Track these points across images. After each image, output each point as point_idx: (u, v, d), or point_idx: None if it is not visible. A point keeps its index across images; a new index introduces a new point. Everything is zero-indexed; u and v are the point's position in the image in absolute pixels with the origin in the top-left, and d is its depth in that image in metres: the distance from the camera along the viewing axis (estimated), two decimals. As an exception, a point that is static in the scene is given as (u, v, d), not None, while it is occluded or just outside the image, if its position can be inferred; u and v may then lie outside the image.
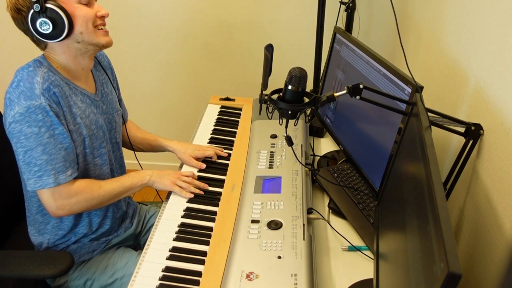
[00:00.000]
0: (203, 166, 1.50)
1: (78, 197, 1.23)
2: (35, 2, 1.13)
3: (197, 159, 1.53)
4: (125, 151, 1.59)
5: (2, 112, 1.23)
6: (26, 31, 1.21)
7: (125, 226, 1.49)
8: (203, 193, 1.38)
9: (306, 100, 1.10)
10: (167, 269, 1.12)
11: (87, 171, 1.32)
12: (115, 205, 1.42)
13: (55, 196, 1.20)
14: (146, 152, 1.66)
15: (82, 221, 1.35)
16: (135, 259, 1.37)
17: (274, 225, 1.19)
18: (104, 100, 1.38)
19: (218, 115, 1.86)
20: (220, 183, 1.43)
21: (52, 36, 1.17)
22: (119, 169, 1.50)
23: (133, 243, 1.54)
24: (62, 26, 1.17)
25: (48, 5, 1.15)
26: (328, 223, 1.33)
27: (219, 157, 1.57)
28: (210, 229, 1.25)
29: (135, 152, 1.62)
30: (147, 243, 1.20)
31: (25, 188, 1.32)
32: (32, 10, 1.14)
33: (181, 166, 1.55)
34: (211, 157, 1.54)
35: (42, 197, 1.21)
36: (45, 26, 1.16)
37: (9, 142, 1.22)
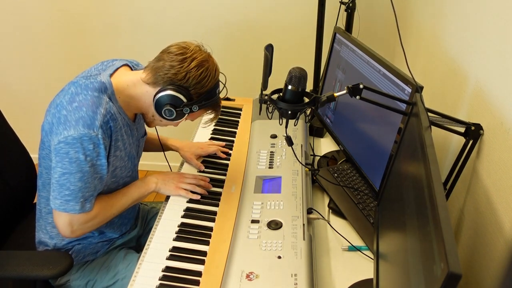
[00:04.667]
0: (202, 167, 1.51)
1: (93, 221, 1.23)
2: (188, 106, 1.20)
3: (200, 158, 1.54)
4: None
5: (45, 118, 1.20)
6: (156, 82, 1.21)
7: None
8: (207, 193, 1.38)
9: (306, 100, 1.10)
10: (167, 269, 1.12)
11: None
12: (124, 215, 1.41)
13: (73, 222, 1.19)
14: (149, 151, 1.65)
15: (91, 232, 1.34)
16: (137, 261, 1.37)
17: (274, 225, 1.19)
18: (137, 125, 1.36)
19: (218, 115, 1.86)
20: (220, 183, 1.43)
21: (167, 116, 1.22)
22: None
23: (135, 245, 1.54)
24: (174, 120, 1.23)
25: (188, 109, 1.21)
26: (328, 223, 1.33)
27: (219, 157, 1.57)
28: (210, 229, 1.25)
29: (164, 152, 1.61)
30: (147, 243, 1.21)
31: (40, 188, 1.31)
32: (179, 103, 1.19)
33: (181, 165, 1.55)
34: (215, 153, 1.57)
35: (59, 219, 1.19)
36: (170, 112, 1.21)
37: (9, 143, 1.21)
